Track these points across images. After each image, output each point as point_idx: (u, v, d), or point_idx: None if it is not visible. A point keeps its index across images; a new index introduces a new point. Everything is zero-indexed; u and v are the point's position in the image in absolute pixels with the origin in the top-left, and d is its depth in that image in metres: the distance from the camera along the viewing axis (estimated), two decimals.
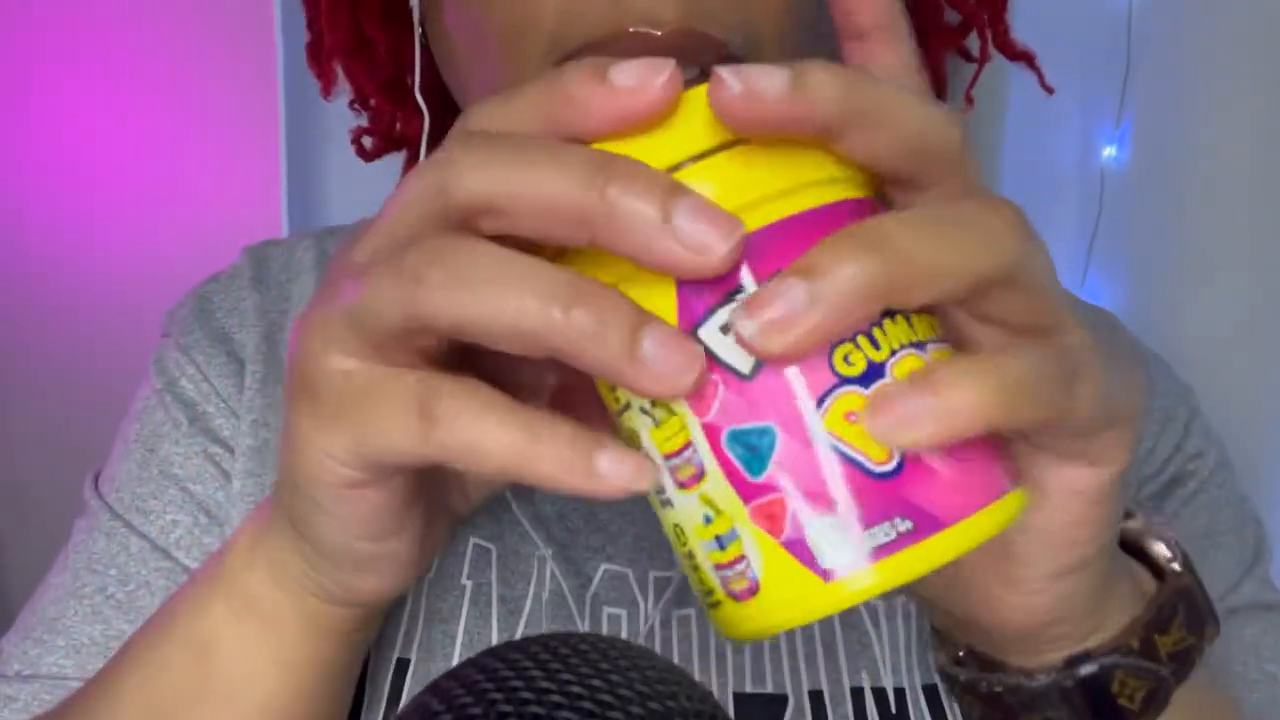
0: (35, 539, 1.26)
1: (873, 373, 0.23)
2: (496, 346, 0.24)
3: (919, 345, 0.24)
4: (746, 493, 0.24)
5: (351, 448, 0.25)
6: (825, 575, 0.23)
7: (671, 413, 0.24)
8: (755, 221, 0.23)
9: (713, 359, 0.23)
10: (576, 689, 0.22)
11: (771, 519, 0.23)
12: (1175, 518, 0.48)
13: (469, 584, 0.43)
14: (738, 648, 0.41)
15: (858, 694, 0.40)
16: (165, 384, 0.47)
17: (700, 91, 0.23)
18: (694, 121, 0.23)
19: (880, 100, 0.23)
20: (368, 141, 0.55)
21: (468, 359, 0.28)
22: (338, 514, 0.28)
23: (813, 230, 0.23)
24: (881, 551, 0.23)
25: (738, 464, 0.24)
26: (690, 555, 0.26)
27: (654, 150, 0.23)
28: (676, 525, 0.25)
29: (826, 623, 0.41)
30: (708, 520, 0.24)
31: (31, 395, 1.25)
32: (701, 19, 0.34)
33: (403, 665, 0.42)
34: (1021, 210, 0.24)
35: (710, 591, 0.25)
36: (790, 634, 0.41)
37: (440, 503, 0.32)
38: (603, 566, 0.42)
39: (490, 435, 0.24)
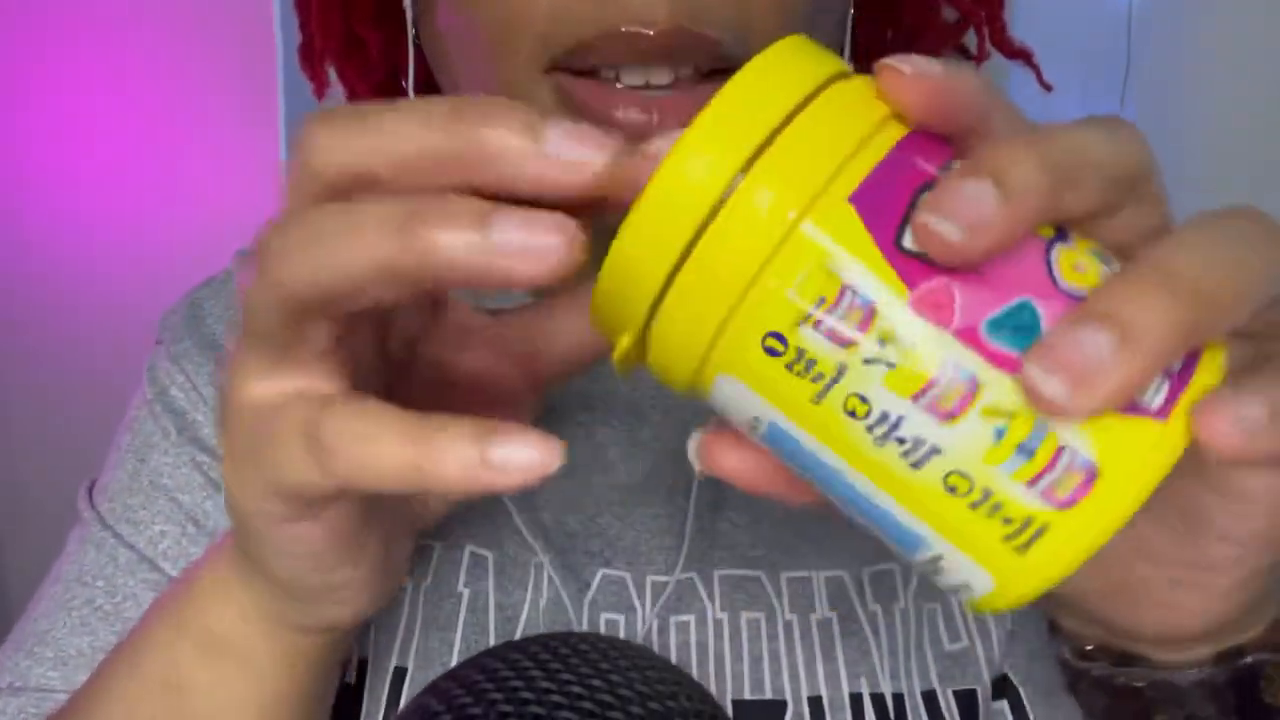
0: (35, 540, 1.26)
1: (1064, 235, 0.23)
2: (375, 300, 0.23)
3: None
4: None
5: (263, 486, 0.25)
6: (1159, 413, 0.21)
7: (909, 339, 0.21)
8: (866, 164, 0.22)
9: (927, 263, 0.21)
10: (576, 689, 0.22)
11: None
12: None
13: (466, 592, 0.42)
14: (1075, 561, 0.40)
15: (856, 700, 0.40)
16: (156, 393, 0.47)
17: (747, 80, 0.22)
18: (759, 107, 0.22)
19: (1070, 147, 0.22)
20: None
21: (444, 391, 0.29)
22: (282, 550, 0.27)
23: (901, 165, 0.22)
24: (1178, 380, 0.21)
25: (1011, 351, 0.21)
26: (985, 495, 0.22)
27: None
28: (952, 473, 0.22)
29: (826, 629, 0.41)
30: (1000, 434, 0.21)
31: (31, 396, 1.26)
32: (694, 18, 0.34)
33: (400, 674, 0.42)
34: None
35: (1029, 520, 0.22)
36: (789, 640, 0.41)
37: (399, 519, 0.31)
38: (601, 571, 0.42)
39: (382, 453, 0.23)
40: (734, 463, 0.25)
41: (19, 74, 1.14)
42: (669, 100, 0.35)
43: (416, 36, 0.43)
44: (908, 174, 0.22)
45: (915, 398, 0.21)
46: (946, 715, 0.40)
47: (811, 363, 0.21)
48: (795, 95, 0.22)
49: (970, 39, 0.53)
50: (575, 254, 0.22)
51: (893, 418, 0.21)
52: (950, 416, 0.21)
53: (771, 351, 0.21)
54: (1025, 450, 0.21)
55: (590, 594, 0.42)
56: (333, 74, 0.52)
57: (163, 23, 1.07)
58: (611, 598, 0.42)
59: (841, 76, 0.23)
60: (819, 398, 0.21)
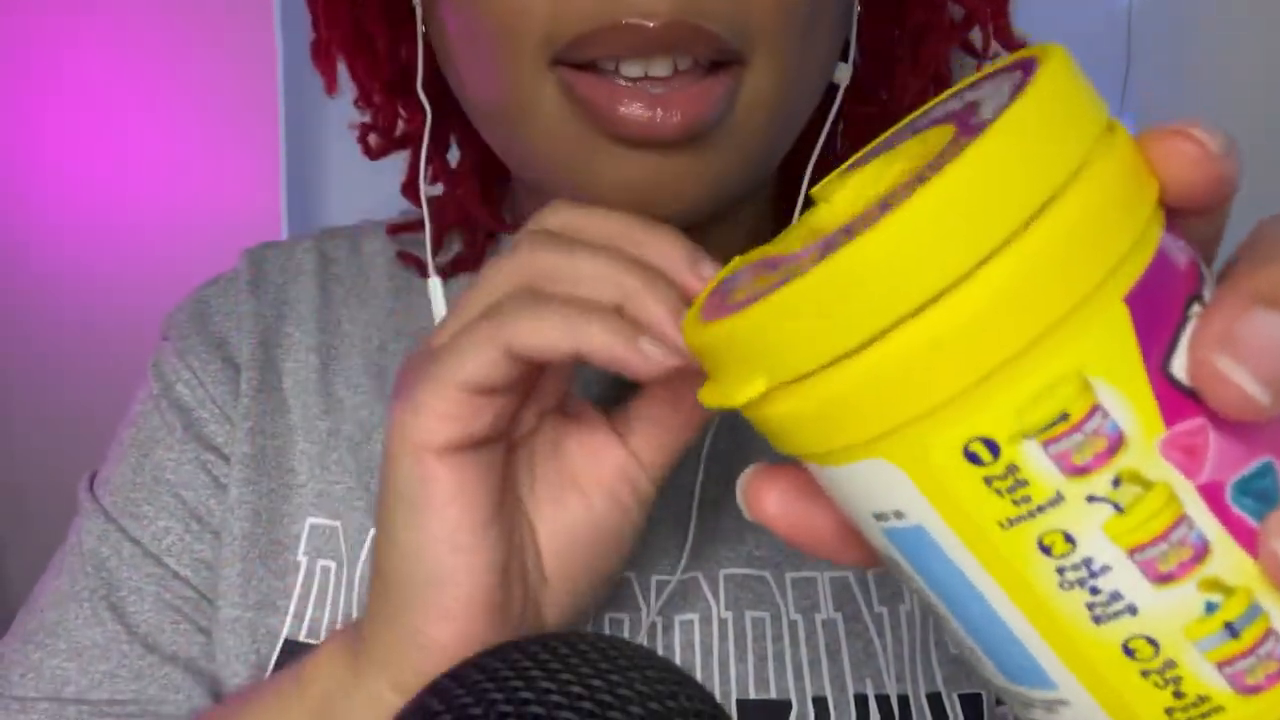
0: (35, 539, 1.26)
1: None
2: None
3: None
4: None
5: (441, 376, 0.31)
6: None
7: (1149, 485, 0.18)
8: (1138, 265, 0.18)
9: (1190, 398, 0.18)
10: (577, 689, 0.22)
11: None
12: None
13: None
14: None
15: (861, 701, 0.40)
16: (162, 389, 0.47)
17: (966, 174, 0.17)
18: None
19: None
20: (373, 140, 0.55)
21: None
22: (426, 495, 0.31)
23: (1170, 269, 0.19)
24: None
25: (1249, 520, 0.18)
26: (1166, 666, 0.19)
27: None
28: (1138, 638, 0.19)
29: (831, 629, 0.41)
30: (1212, 609, 0.19)
31: (32, 396, 1.25)
32: (694, 12, 0.34)
33: None
34: None
35: (1204, 699, 0.19)
36: (794, 640, 0.41)
37: (517, 566, 0.34)
38: None
39: (549, 311, 0.30)
40: (776, 509, 0.25)
41: (19, 74, 1.13)
42: (670, 96, 0.35)
43: (425, 31, 0.43)
44: (1176, 277, 0.18)
45: (1133, 552, 0.18)
46: (951, 718, 0.40)
47: (1021, 483, 0.18)
48: (1069, 159, 0.18)
49: (971, 35, 0.53)
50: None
51: (1095, 566, 0.18)
52: (1164, 580, 0.19)
53: (973, 458, 0.18)
54: (1232, 630, 0.19)
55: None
56: (344, 72, 0.52)
57: (162, 22, 1.07)
58: (615, 598, 0.42)
59: (1107, 130, 0.19)
60: (1011, 523, 0.18)
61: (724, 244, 0.45)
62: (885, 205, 0.18)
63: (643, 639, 0.41)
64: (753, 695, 0.40)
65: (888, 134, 0.24)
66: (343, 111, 0.56)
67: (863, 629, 0.41)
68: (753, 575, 0.42)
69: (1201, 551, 0.18)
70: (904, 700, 0.40)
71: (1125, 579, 0.18)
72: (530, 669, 0.23)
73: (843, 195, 0.21)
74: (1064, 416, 0.17)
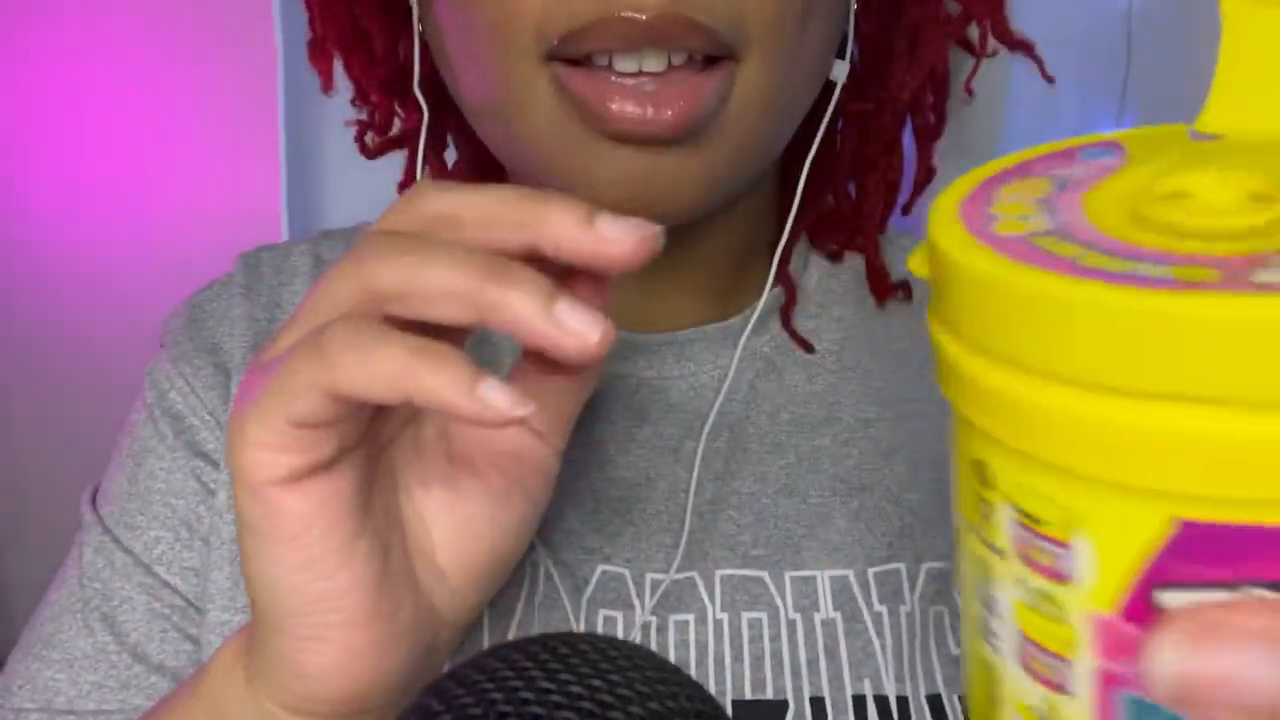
0: (35, 539, 1.26)
1: None
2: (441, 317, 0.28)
3: None
4: None
5: (267, 412, 0.27)
6: None
7: (1063, 616, 0.19)
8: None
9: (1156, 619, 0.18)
10: (576, 689, 0.22)
11: None
12: None
13: None
14: (737, 655, 0.41)
15: (860, 702, 0.40)
16: (155, 398, 0.48)
17: None
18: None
19: None
20: (370, 139, 0.55)
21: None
22: (274, 527, 0.28)
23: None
24: None
25: None
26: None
27: None
28: (990, 683, 0.21)
29: (830, 629, 0.41)
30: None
31: (32, 396, 1.25)
32: (688, 5, 0.34)
33: None
34: None
35: None
36: (792, 640, 0.41)
37: (400, 574, 0.31)
38: (600, 568, 0.42)
39: (378, 349, 0.26)
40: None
41: (19, 74, 1.13)
42: (663, 93, 0.35)
43: (422, 32, 0.43)
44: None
45: (1032, 644, 0.20)
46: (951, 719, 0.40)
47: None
48: None
49: (972, 33, 0.53)
50: (605, 347, 0.26)
51: (997, 608, 0.20)
52: (1041, 682, 0.20)
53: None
54: None
55: (589, 590, 0.42)
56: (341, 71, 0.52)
57: (162, 22, 1.07)
58: (610, 595, 0.42)
59: None
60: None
61: (722, 240, 0.45)
62: None
63: (636, 637, 0.41)
64: (749, 695, 0.40)
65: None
66: (344, 112, 0.56)
67: (862, 629, 0.41)
68: (750, 576, 0.42)
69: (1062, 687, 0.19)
70: (903, 701, 0.40)
71: (1014, 661, 0.21)
72: (530, 669, 0.23)
73: (1205, 193, 0.19)
74: (1037, 521, 0.19)
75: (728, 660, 0.41)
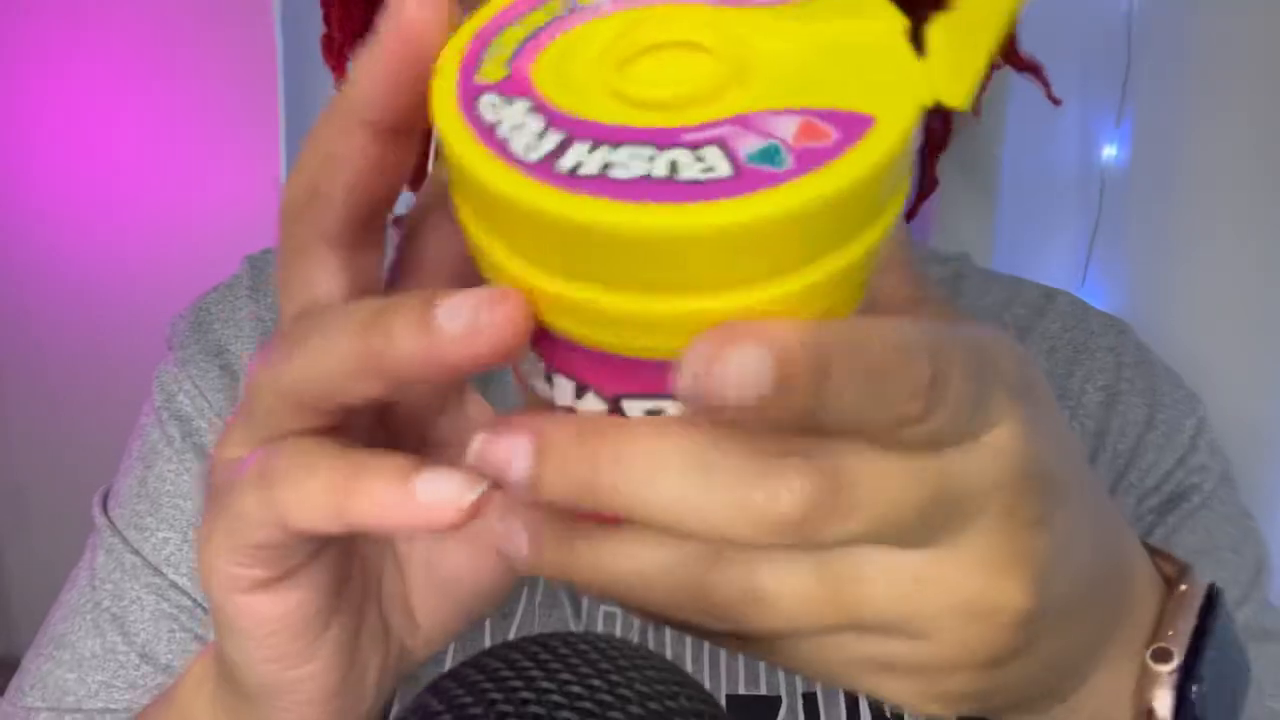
0: (35, 539, 1.26)
1: None
2: (362, 395, 0.23)
3: None
4: None
5: (226, 541, 0.25)
6: None
7: None
8: None
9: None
10: (576, 689, 0.22)
11: None
12: (1174, 532, 0.48)
13: None
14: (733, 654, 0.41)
15: (852, 698, 0.40)
16: (163, 400, 0.49)
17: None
18: None
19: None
20: None
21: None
22: (240, 627, 0.27)
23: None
24: None
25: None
26: None
27: None
28: None
29: None
30: None
31: (32, 397, 1.25)
32: None
33: None
34: None
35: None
36: None
37: (371, 637, 0.30)
38: None
39: (313, 480, 0.23)
40: None
41: (18, 74, 1.13)
42: None
43: None
44: None
45: None
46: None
47: None
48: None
49: None
50: (528, 324, 0.20)
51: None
52: None
53: None
54: None
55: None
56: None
57: (162, 23, 1.07)
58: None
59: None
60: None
61: None
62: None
63: (635, 636, 0.41)
64: (742, 691, 0.40)
65: None
66: None
67: None
68: None
69: None
70: None
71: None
72: (530, 669, 0.23)
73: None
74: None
75: (722, 656, 0.41)
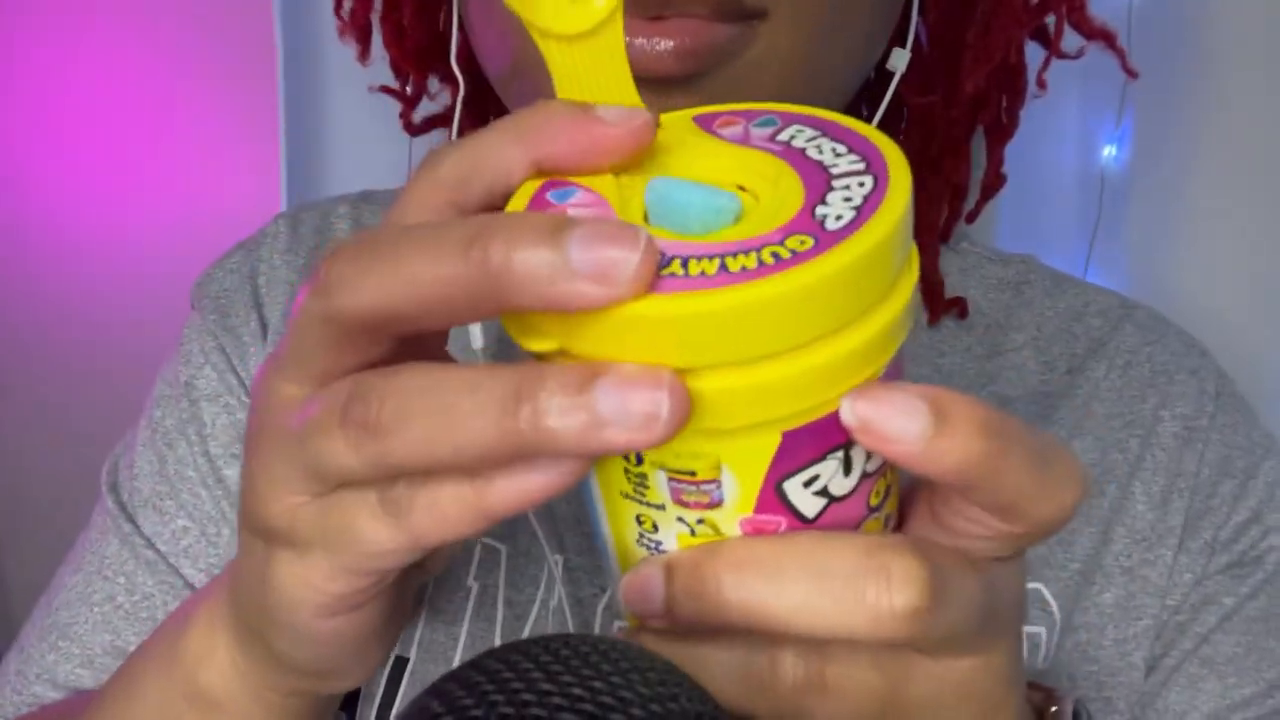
0: (35, 539, 1.26)
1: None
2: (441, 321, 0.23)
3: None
4: None
5: (335, 566, 0.24)
6: None
7: (718, 532, 0.26)
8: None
9: (783, 502, 0.25)
10: (578, 691, 0.22)
11: None
12: (1244, 604, 0.45)
13: (475, 585, 0.42)
14: None
15: None
16: (190, 375, 0.47)
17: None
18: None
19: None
20: (415, 118, 0.55)
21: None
22: (310, 640, 0.27)
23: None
24: None
25: None
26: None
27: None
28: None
29: None
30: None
31: (32, 395, 1.25)
32: None
33: (401, 663, 0.42)
34: None
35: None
36: None
37: (406, 595, 0.31)
38: None
39: (442, 494, 0.23)
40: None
41: (18, 73, 1.13)
42: (667, 25, 0.33)
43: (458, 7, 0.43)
44: (831, 432, 0.24)
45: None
46: None
47: (642, 484, 0.25)
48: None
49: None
50: (651, 269, 0.19)
51: (660, 545, 0.26)
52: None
53: (626, 456, 0.25)
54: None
55: (605, 598, 0.41)
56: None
57: (162, 22, 1.07)
58: (605, 591, 0.42)
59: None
60: (626, 497, 0.26)
61: None
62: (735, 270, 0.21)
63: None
64: None
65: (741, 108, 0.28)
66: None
67: None
68: None
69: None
70: None
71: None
72: (531, 670, 0.23)
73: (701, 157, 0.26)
74: (692, 473, 0.24)
75: None
